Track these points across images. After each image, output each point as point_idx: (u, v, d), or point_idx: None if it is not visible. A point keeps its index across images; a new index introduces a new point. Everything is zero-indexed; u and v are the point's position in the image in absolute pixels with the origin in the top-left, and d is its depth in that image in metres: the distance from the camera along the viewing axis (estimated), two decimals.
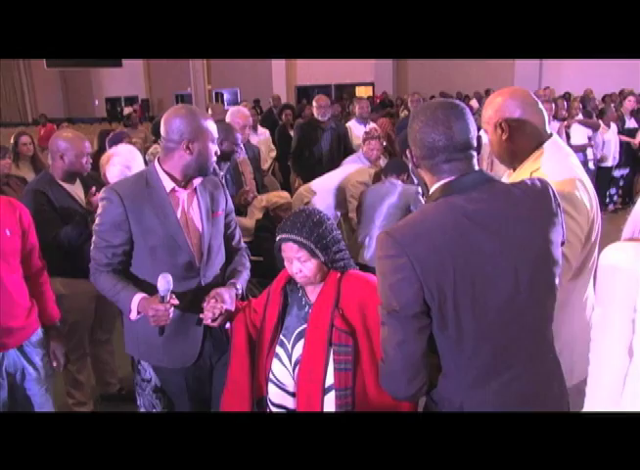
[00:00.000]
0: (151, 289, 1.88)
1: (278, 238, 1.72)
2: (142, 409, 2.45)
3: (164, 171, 1.95)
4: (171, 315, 1.83)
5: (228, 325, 1.93)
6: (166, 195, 1.94)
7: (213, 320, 1.86)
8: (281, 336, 1.80)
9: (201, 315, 1.87)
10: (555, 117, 6.15)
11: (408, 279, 1.25)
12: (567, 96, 9.28)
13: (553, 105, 6.14)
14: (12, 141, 4.71)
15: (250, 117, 4.07)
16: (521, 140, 1.72)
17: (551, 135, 1.76)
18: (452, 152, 1.32)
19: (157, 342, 1.95)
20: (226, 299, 1.88)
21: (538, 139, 1.73)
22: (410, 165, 1.45)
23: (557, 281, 1.38)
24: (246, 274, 2.14)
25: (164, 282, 1.79)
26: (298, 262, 1.68)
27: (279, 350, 1.79)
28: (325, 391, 1.67)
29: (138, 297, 1.87)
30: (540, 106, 1.75)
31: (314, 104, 5.30)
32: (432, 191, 1.38)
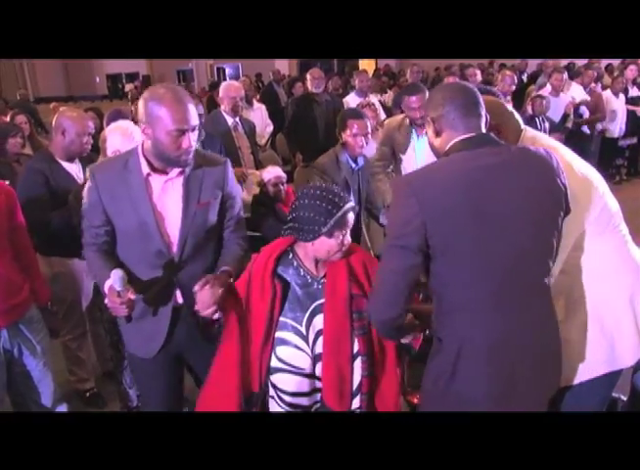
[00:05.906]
0: (129, 271, 1.84)
1: (344, 210, 1.67)
2: (124, 385, 2.71)
3: (144, 155, 1.85)
4: (126, 310, 1.75)
5: (217, 315, 1.79)
6: (142, 180, 1.84)
7: (203, 311, 1.74)
8: (288, 320, 1.75)
9: (196, 307, 1.75)
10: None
11: (413, 216, 1.42)
12: (570, 66, 9.07)
13: (564, 75, 6.01)
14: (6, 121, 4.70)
15: (241, 89, 4.09)
16: (509, 140, 1.78)
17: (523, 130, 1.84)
18: (466, 115, 1.52)
19: (126, 328, 1.96)
20: (213, 291, 1.72)
21: (518, 135, 1.82)
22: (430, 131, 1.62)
23: (555, 243, 1.52)
24: (235, 265, 1.94)
25: (117, 278, 1.73)
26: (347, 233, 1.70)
27: (286, 335, 1.75)
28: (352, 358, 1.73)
29: (109, 283, 1.79)
30: (509, 107, 1.85)
31: (308, 77, 5.28)
32: (447, 148, 1.56)
